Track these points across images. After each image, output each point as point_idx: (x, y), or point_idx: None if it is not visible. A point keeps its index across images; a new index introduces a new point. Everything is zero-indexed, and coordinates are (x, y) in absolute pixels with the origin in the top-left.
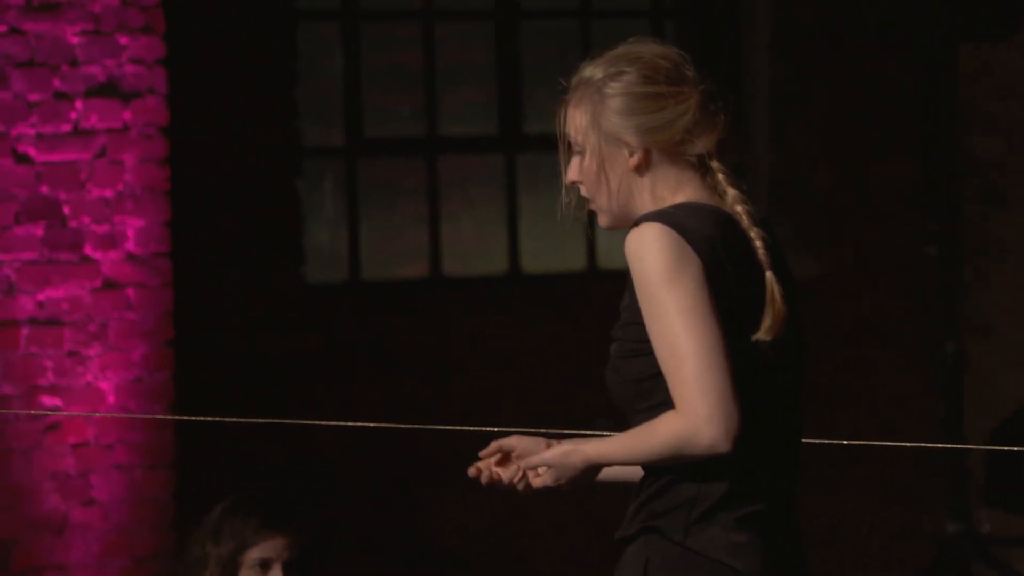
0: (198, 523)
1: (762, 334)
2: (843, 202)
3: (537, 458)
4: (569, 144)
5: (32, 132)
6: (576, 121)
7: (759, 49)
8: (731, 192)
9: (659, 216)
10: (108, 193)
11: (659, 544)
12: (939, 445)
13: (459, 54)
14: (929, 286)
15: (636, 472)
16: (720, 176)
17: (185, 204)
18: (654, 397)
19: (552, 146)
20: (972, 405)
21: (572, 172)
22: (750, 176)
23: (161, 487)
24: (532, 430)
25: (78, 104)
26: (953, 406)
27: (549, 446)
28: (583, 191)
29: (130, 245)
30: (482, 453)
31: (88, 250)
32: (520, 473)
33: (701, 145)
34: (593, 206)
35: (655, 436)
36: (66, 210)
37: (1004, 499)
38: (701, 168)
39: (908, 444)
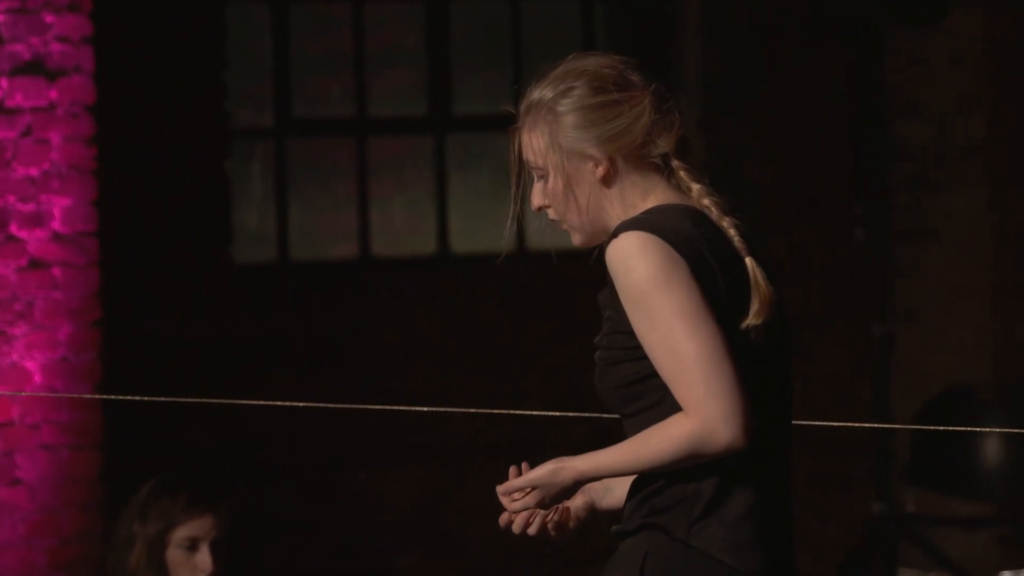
0: (125, 503)
1: (752, 319)
2: (773, 188)
3: (520, 480)
4: (520, 173)
5: None
6: (533, 145)
7: (690, 35)
8: (695, 187)
9: (637, 223)
10: (34, 172)
11: (660, 540)
12: (864, 424)
13: (389, 35)
14: (857, 270)
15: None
16: (682, 174)
17: (112, 184)
18: (644, 399)
19: (481, 126)
20: (898, 387)
21: (536, 198)
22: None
23: (88, 467)
24: (461, 410)
25: (3, 82)
26: (880, 388)
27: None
28: (551, 214)
29: (56, 224)
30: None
31: (14, 229)
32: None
33: (663, 145)
34: (564, 226)
35: (665, 440)
36: None
37: (929, 479)
38: (665, 170)
39: (834, 424)
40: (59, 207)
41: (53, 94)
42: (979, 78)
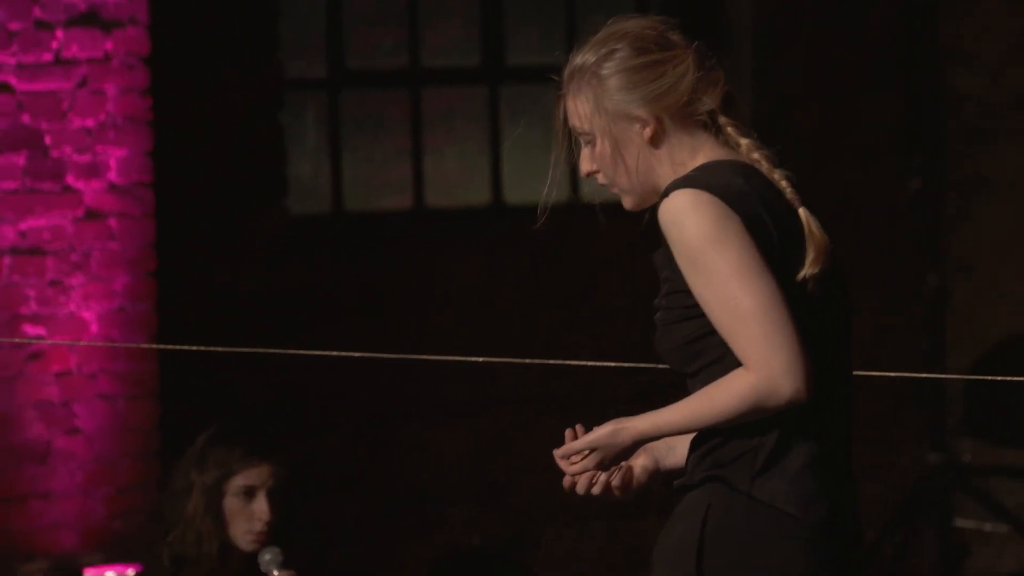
0: (182, 453)
1: (808, 268)
2: (826, 139)
3: (579, 442)
4: (572, 140)
5: (13, 61)
6: (579, 110)
7: None
8: (744, 142)
9: (688, 181)
10: (90, 123)
11: (724, 493)
12: (920, 375)
13: None
14: (911, 221)
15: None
16: (730, 129)
17: (167, 134)
18: (705, 357)
19: (534, 77)
20: (953, 339)
21: (585, 163)
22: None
23: (144, 417)
24: (514, 360)
25: (59, 34)
26: (935, 340)
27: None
28: (601, 178)
29: (112, 175)
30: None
31: (70, 180)
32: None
33: (708, 101)
34: (615, 190)
35: (726, 396)
36: (48, 140)
37: (984, 429)
38: (712, 127)
39: (889, 375)
40: (115, 158)
41: (108, 45)
42: None
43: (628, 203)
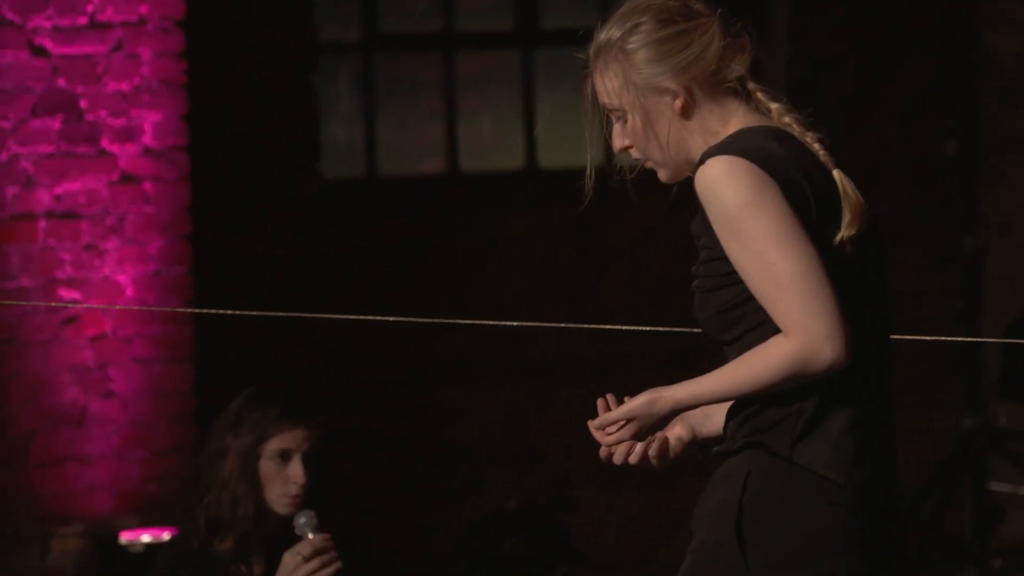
0: (217, 416)
1: (845, 230)
2: (861, 101)
3: (615, 413)
4: (606, 119)
5: (48, 25)
6: (607, 87)
7: None
8: (774, 106)
9: (722, 148)
10: (125, 86)
11: (764, 458)
12: (956, 339)
13: None
14: (947, 183)
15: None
16: (759, 95)
17: (202, 98)
18: (744, 324)
19: (569, 40)
20: (990, 301)
21: (617, 140)
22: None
23: (179, 380)
24: (549, 324)
25: None
26: (971, 302)
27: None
28: (634, 153)
29: (147, 139)
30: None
31: (105, 143)
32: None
33: (737, 68)
34: (649, 164)
35: (766, 363)
36: (83, 103)
37: (1020, 393)
38: (742, 93)
39: (925, 338)
40: (150, 122)
41: (143, 9)
42: None
43: (663, 176)
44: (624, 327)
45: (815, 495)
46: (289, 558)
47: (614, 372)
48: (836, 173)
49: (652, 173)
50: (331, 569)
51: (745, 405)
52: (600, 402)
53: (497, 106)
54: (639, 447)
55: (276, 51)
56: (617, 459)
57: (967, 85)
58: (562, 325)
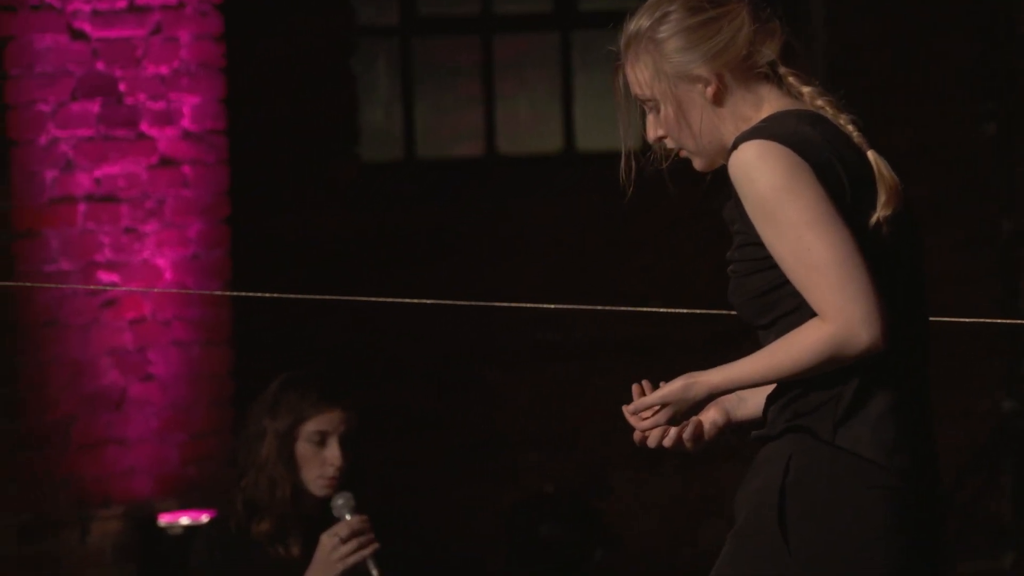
0: (255, 399)
1: (881, 211)
2: (900, 82)
3: (651, 398)
4: (642, 109)
5: (88, 8)
6: (639, 78)
7: None
8: (806, 90)
9: (755, 132)
10: (164, 70)
11: (805, 442)
12: (995, 320)
13: None
14: (986, 165)
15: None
16: (791, 79)
17: (240, 82)
18: (779, 308)
19: (607, 23)
20: None
21: (651, 130)
22: (807, 59)
23: (218, 363)
24: (586, 307)
25: None
26: (1009, 284)
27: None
28: (669, 143)
29: (186, 122)
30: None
31: (144, 127)
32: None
33: (768, 53)
34: (684, 153)
35: (803, 347)
36: (122, 87)
37: None
38: (774, 78)
39: (963, 320)
40: (188, 105)
41: None
42: None
43: (698, 164)
44: (661, 309)
45: (857, 478)
46: (327, 539)
47: (650, 356)
48: (871, 154)
49: (687, 162)
50: (368, 550)
51: (785, 390)
52: (635, 387)
53: (535, 89)
54: (673, 431)
55: (314, 34)
56: (651, 443)
57: (1006, 67)
58: (599, 308)
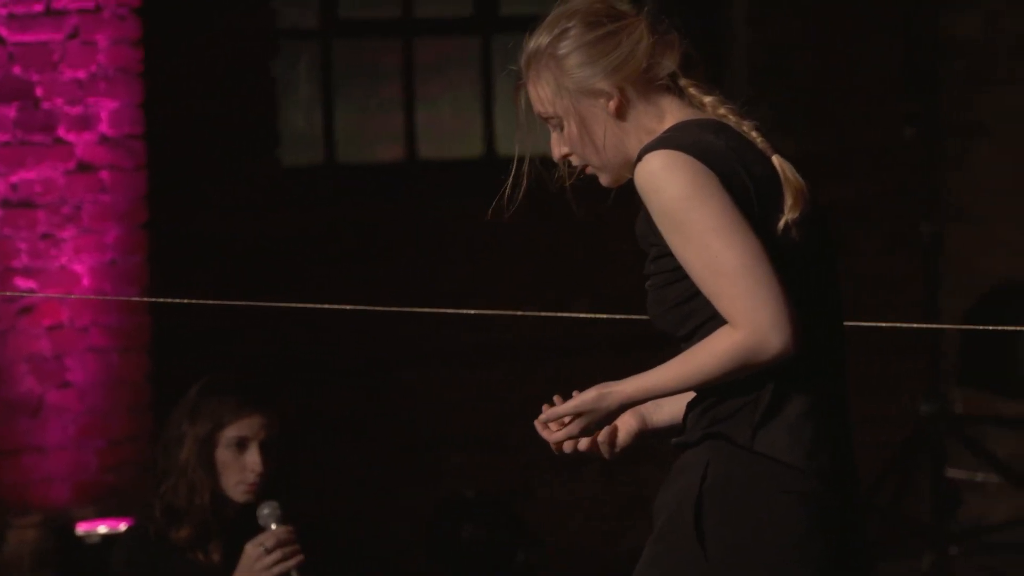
0: (174, 405)
1: (788, 213)
2: (822, 83)
3: (563, 408)
4: (525, 132)
5: (4, 12)
6: (541, 95)
7: None
8: (708, 99)
9: (660, 143)
10: (81, 74)
11: (723, 449)
12: (914, 325)
13: None
14: (907, 167)
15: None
16: (692, 90)
17: (159, 86)
18: (697, 318)
19: (528, 27)
20: (948, 286)
21: (556, 148)
22: (729, 58)
23: (136, 369)
24: (506, 311)
25: None
26: (929, 287)
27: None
28: (574, 160)
29: (104, 127)
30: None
31: (61, 132)
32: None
33: (668, 64)
34: (589, 170)
35: (713, 355)
36: (39, 91)
37: (978, 379)
38: (675, 89)
39: (883, 325)
40: (106, 110)
41: None
42: None
43: (605, 180)
44: (582, 314)
45: (775, 483)
46: (251, 549)
47: (575, 357)
48: (775, 158)
49: (593, 178)
50: (293, 561)
51: (704, 396)
52: (545, 407)
53: (456, 93)
54: (585, 439)
55: (234, 37)
56: (567, 449)
57: (928, 69)
58: (520, 312)
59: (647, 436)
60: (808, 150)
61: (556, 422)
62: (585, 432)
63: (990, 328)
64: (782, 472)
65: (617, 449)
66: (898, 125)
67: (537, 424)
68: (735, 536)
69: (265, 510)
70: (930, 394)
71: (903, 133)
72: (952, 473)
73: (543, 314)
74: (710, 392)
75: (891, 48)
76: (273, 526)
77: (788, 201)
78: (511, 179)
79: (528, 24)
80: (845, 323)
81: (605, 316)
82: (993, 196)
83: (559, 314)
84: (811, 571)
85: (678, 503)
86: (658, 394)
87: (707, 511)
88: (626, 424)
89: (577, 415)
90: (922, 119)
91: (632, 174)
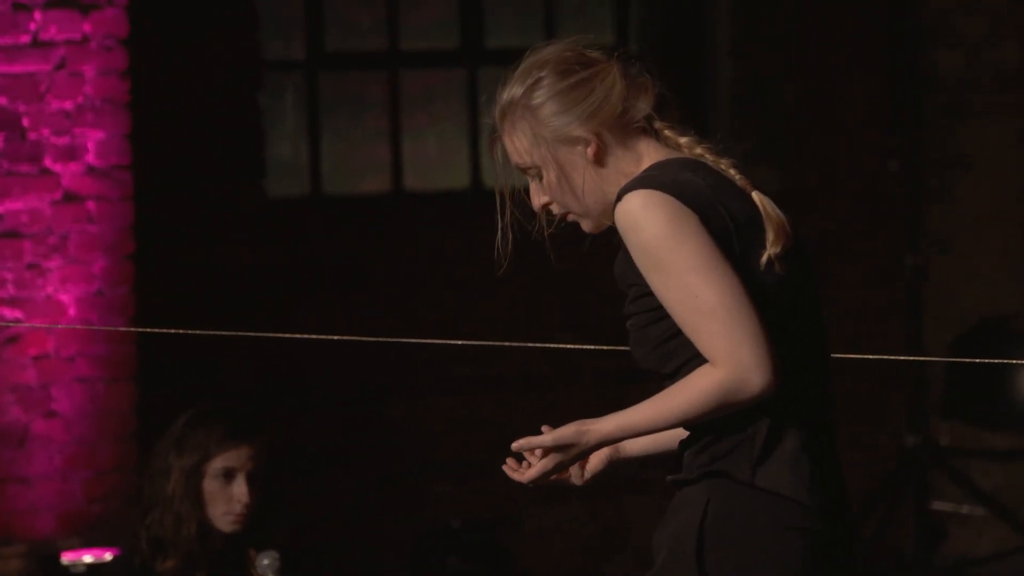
0: (161, 435)
1: (770, 248)
2: (805, 116)
3: (541, 439)
4: (504, 190)
5: None
6: (518, 146)
7: None
8: (684, 140)
9: (639, 183)
10: (68, 105)
11: (724, 486)
12: (898, 357)
13: None
14: (890, 200)
15: (666, 443)
16: (667, 132)
17: (146, 117)
18: (680, 355)
19: (514, 59)
20: (931, 319)
21: (535, 198)
22: (712, 91)
23: (122, 400)
24: (492, 343)
25: (37, 15)
26: (913, 319)
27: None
28: (555, 209)
29: (90, 157)
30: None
31: (48, 162)
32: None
33: (643, 107)
34: (571, 217)
35: (694, 393)
36: (25, 122)
37: (962, 411)
38: (651, 132)
39: (866, 357)
40: (93, 140)
41: (87, 27)
42: (1012, 4)
43: (587, 227)
44: (568, 345)
45: (777, 518)
46: None
47: (561, 388)
48: (755, 195)
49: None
50: None
51: (699, 435)
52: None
53: (442, 125)
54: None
55: (220, 69)
56: (528, 479)
57: (910, 102)
58: (506, 344)
59: (618, 463)
60: (791, 183)
61: (530, 456)
62: (558, 468)
63: (974, 361)
64: (783, 507)
65: (588, 475)
66: (881, 158)
67: (513, 447)
68: (736, 570)
69: (265, 560)
70: (915, 426)
71: (886, 166)
72: (937, 505)
73: (529, 345)
74: (706, 429)
75: (874, 81)
76: None
77: (770, 236)
78: (499, 234)
79: (514, 56)
80: (835, 355)
81: (591, 347)
82: (976, 228)
83: (545, 345)
84: None
85: (678, 539)
86: (637, 432)
87: (709, 547)
88: (598, 452)
89: (554, 449)
90: (905, 152)
91: (610, 220)
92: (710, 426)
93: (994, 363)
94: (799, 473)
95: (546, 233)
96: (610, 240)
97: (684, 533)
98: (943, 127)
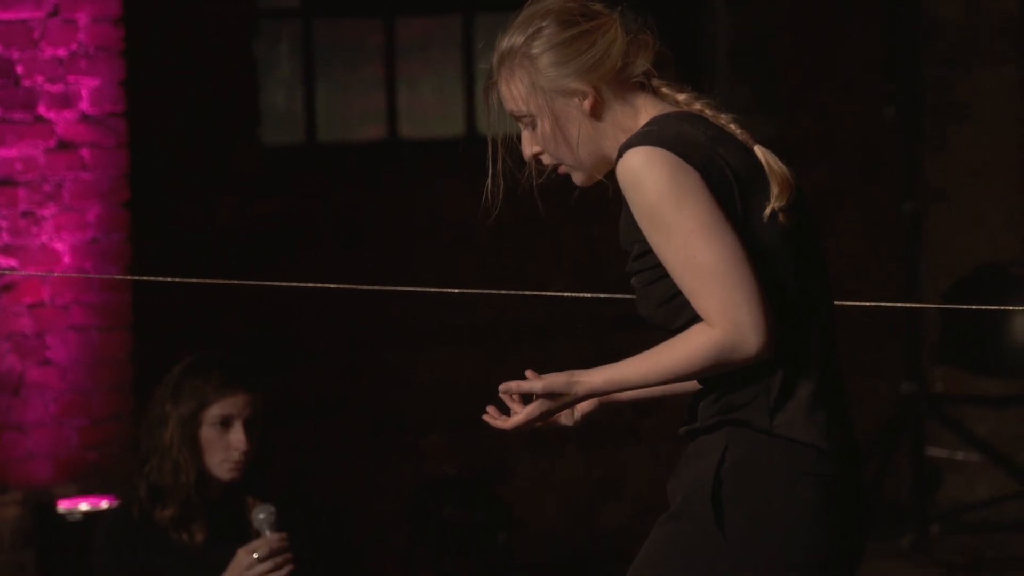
0: (157, 384)
1: (775, 202)
2: (802, 65)
3: (530, 384)
4: (497, 138)
5: None
6: (514, 94)
7: None
8: (681, 97)
9: (640, 138)
10: (62, 52)
11: (743, 434)
12: (894, 304)
13: None
14: (888, 148)
15: (658, 389)
16: (665, 90)
17: (140, 64)
18: (688, 312)
19: (510, 5)
20: (928, 266)
21: (527, 146)
22: (710, 40)
23: (118, 348)
24: (488, 291)
25: None
26: (910, 267)
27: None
28: (546, 159)
29: (84, 105)
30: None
31: (42, 110)
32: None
33: (642, 63)
34: (562, 169)
35: (689, 351)
36: (19, 69)
37: (958, 358)
38: (649, 88)
39: (863, 304)
40: (87, 88)
41: None
42: None
43: (578, 179)
44: (564, 294)
45: (794, 464)
46: (243, 555)
47: (555, 337)
48: (757, 149)
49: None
50: (284, 571)
51: (711, 387)
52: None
53: (438, 72)
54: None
55: (215, 16)
56: (509, 424)
57: (908, 51)
58: (501, 292)
59: (609, 406)
60: (788, 131)
61: (514, 404)
62: (544, 416)
63: (970, 307)
64: (801, 453)
65: (579, 415)
66: (878, 106)
67: (500, 389)
68: (754, 516)
69: (261, 515)
70: (910, 374)
71: (883, 114)
72: (932, 452)
73: (523, 293)
74: (720, 379)
75: (871, 29)
76: (267, 532)
77: (775, 190)
78: (489, 180)
79: (510, 2)
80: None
81: (586, 296)
82: (973, 177)
83: (539, 294)
84: (821, 551)
85: (695, 484)
86: (627, 387)
87: (726, 492)
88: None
89: (544, 395)
90: (902, 100)
91: (604, 174)
92: (726, 376)
93: (989, 309)
94: (815, 419)
95: (535, 183)
96: (603, 191)
97: (702, 479)
98: (941, 75)
